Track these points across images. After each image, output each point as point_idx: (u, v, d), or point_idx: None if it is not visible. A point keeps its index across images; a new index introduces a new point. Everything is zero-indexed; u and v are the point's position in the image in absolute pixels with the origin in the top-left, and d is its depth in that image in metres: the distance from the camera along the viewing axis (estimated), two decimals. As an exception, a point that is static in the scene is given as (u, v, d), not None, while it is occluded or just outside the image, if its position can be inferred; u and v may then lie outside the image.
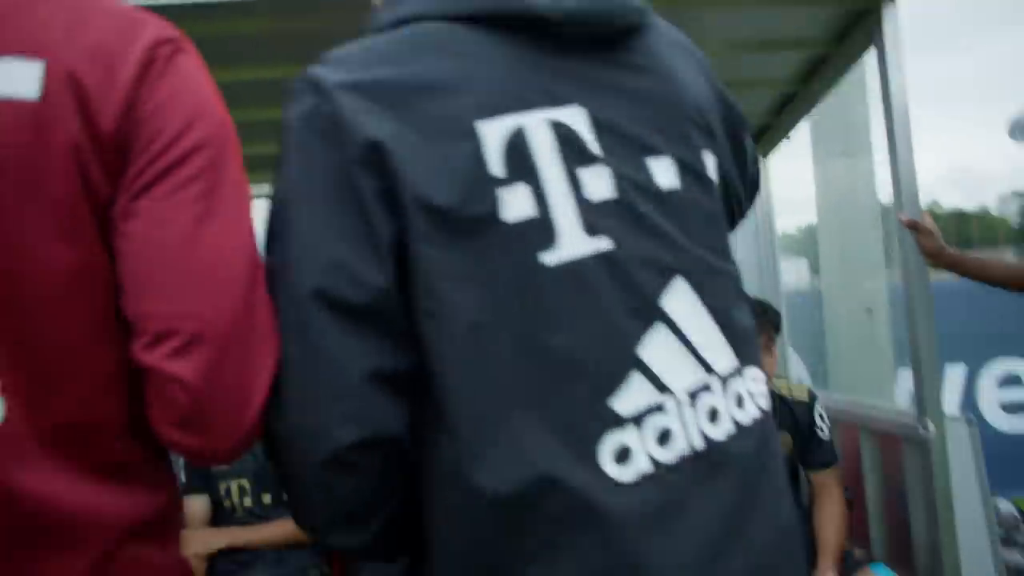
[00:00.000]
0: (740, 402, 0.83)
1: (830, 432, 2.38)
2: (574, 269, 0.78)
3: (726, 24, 2.29)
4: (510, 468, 0.74)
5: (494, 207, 0.77)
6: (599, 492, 0.73)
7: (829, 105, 3.25)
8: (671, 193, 0.85)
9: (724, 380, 0.83)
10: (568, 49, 0.85)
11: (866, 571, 2.31)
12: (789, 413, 2.34)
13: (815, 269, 7.15)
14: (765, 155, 3.17)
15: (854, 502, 2.45)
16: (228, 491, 2.31)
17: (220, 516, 2.33)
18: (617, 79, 0.87)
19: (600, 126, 0.83)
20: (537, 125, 0.80)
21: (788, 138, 3.06)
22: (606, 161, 0.82)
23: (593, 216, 0.79)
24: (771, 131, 3.07)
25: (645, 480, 0.75)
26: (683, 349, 0.81)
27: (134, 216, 0.77)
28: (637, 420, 0.76)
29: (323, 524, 0.83)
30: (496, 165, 0.78)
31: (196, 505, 2.30)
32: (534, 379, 0.76)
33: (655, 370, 0.79)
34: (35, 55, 0.76)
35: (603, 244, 0.79)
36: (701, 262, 0.85)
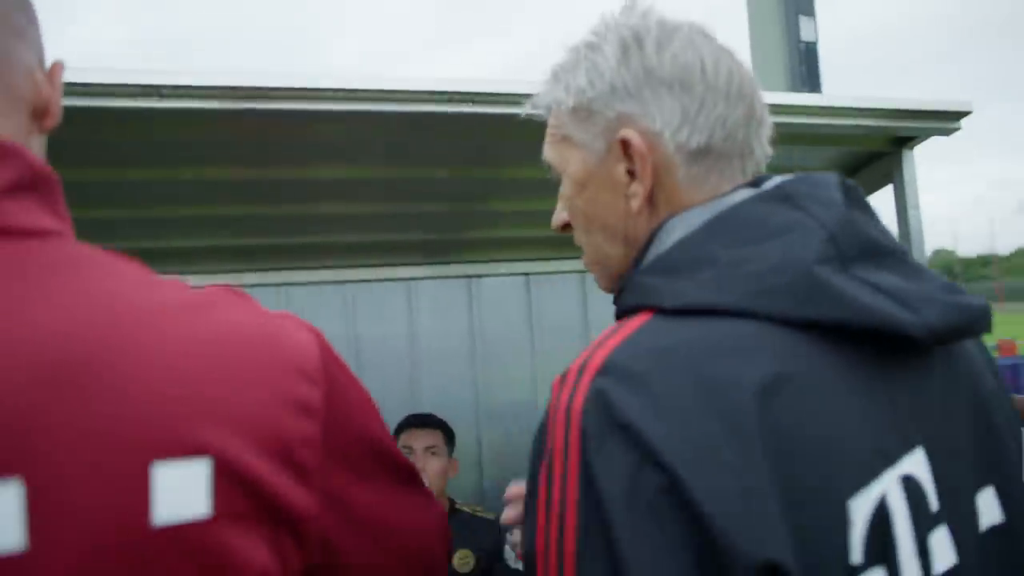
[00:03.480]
0: None
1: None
2: None
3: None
4: None
5: None
6: None
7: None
8: (995, 530, 0.75)
9: None
10: (895, 357, 0.70)
11: None
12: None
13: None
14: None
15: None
16: None
17: None
18: (936, 391, 0.73)
19: (936, 467, 0.69)
20: (895, 489, 0.66)
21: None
22: (945, 516, 0.69)
23: None
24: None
25: None
26: None
27: None
28: None
29: None
30: (857, 552, 0.63)
31: None
32: None
33: None
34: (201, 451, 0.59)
35: None
36: None
